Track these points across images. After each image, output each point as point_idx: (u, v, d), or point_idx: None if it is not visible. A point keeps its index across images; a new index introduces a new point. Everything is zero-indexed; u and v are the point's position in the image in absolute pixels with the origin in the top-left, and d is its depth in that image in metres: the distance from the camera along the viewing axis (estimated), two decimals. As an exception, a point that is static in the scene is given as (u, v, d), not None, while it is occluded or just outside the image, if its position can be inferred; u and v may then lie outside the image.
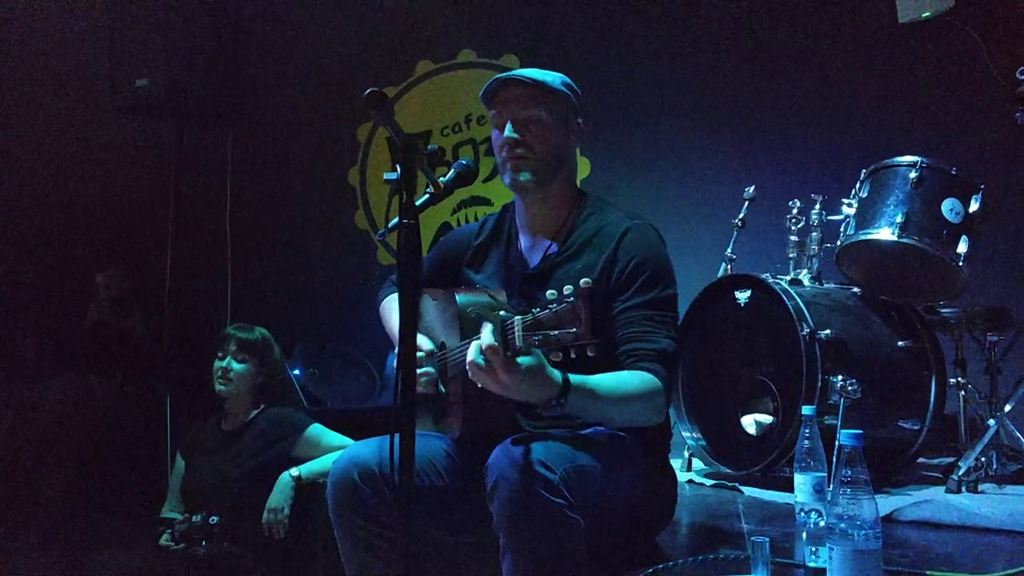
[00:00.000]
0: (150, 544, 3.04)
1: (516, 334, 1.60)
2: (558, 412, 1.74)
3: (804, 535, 1.98)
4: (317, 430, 3.19)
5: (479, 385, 1.74)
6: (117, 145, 5.00)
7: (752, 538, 1.75)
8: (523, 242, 2.23)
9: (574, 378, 1.76)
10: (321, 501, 2.11)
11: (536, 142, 2.10)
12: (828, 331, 3.00)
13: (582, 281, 1.57)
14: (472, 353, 1.69)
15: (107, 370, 3.99)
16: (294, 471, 3.05)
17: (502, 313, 1.64)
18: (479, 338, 1.67)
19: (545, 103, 2.12)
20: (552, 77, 2.15)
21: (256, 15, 4.89)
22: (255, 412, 3.25)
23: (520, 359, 1.64)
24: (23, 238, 4.89)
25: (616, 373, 1.92)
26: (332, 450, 3.10)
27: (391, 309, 2.36)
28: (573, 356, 1.62)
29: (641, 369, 1.94)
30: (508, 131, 2.11)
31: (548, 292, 1.60)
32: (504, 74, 2.14)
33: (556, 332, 1.54)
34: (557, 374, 1.72)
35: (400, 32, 5.21)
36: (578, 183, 2.32)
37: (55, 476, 3.57)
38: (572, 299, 1.54)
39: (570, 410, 1.78)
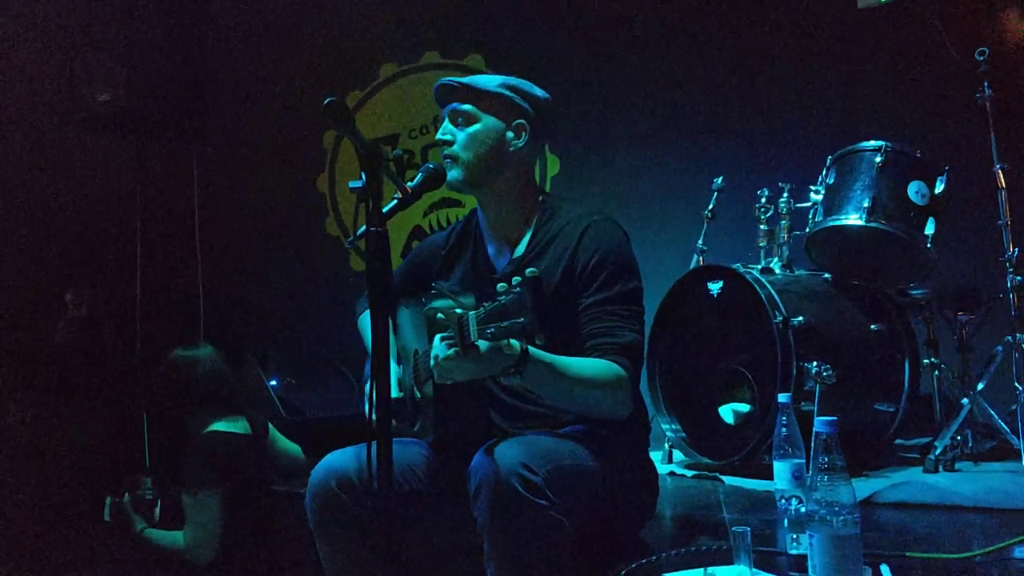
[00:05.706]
0: (125, 562, 3.02)
1: (471, 329, 1.62)
2: (517, 381, 1.74)
3: (785, 522, 1.99)
4: None
5: (449, 382, 1.77)
6: (82, 161, 4.94)
7: (733, 528, 1.76)
8: (489, 247, 2.22)
9: (533, 350, 1.76)
10: (301, 512, 2.09)
11: (464, 143, 2.11)
12: (801, 318, 3.02)
13: (528, 270, 1.59)
14: (435, 348, 1.73)
15: (76, 390, 3.94)
16: None
17: (458, 311, 1.65)
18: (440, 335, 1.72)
19: (476, 105, 2.12)
20: (487, 80, 2.14)
21: (218, 25, 4.85)
22: None
23: (479, 342, 1.66)
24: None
25: (580, 358, 1.93)
26: None
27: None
28: (536, 345, 1.64)
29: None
30: (439, 133, 2.15)
31: (499, 285, 1.62)
32: (443, 79, 2.15)
33: (506, 323, 1.57)
34: (516, 345, 1.72)
35: (363, 36, 5.19)
36: (548, 181, 2.31)
37: (26, 496, 3.53)
38: (518, 289, 1.56)
39: (529, 381, 1.79)
